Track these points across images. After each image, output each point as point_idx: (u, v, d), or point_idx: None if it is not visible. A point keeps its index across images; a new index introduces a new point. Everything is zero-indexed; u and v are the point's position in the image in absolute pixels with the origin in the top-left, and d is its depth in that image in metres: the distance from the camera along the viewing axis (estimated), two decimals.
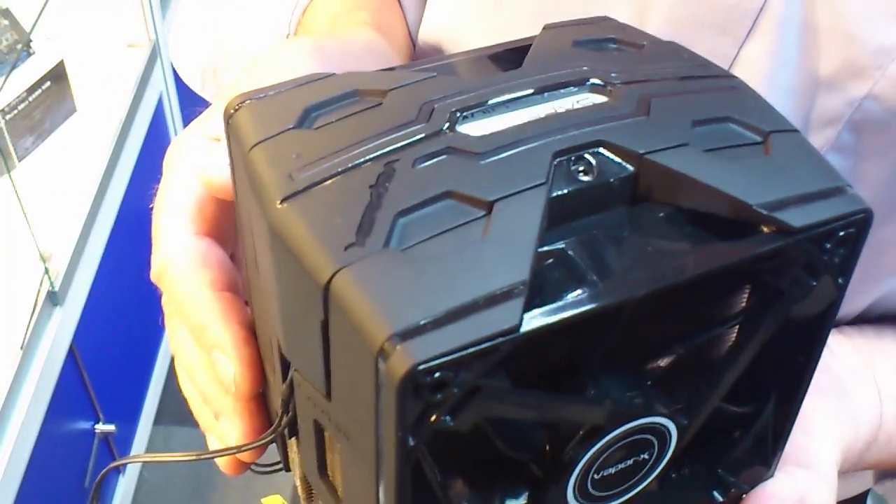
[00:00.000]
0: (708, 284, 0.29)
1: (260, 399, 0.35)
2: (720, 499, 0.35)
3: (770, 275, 0.29)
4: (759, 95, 0.31)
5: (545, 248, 0.26)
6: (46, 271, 1.14)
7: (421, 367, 0.23)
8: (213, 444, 0.36)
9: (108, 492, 1.48)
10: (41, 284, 1.14)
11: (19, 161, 1.29)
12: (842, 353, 0.46)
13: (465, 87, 0.29)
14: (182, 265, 0.35)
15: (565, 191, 0.27)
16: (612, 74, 0.30)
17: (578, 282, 0.26)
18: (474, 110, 0.29)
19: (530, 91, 0.30)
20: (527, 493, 0.31)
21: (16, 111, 1.27)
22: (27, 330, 1.10)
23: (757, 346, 0.30)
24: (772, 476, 0.36)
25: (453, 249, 0.25)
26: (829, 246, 0.28)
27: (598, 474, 0.30)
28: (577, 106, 0.29)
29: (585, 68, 0.30)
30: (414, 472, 0.27)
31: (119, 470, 1.50)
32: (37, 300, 1.13)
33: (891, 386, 0.46)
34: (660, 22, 0.42)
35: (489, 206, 0.25)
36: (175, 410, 1.67)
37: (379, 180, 0.26)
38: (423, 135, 0.28)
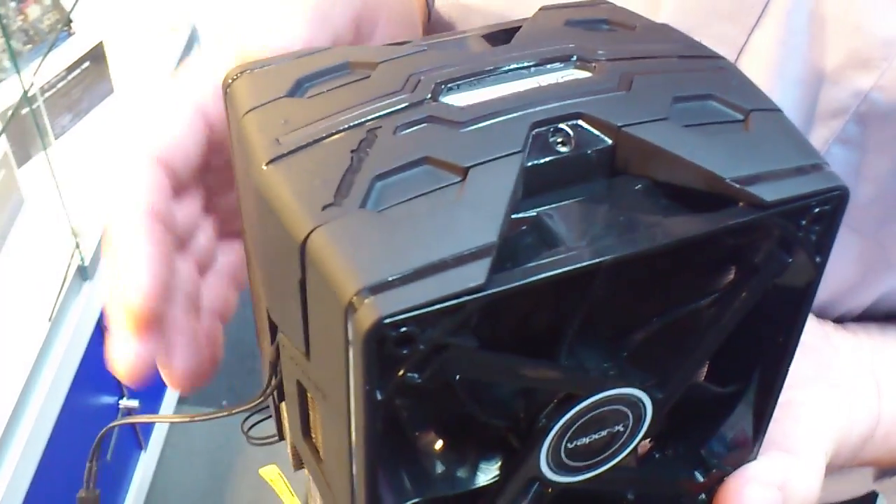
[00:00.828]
0: (683, 258, 0.29)
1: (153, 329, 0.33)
2: (701, 479, 0.35)
3: (745, 250, 0.29)
4: (745, 76, 0.32)
5: (519, 216, 0.27)
6: (77, 246, 1.17)
7: (387, 320, 0.23)
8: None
9: (130, 467, 1.50)
10: (72, 259, 1.16)
11: (56, 139, 1.32)
12: (843, 347, 0.46)
13: (453, 61, 0.30)
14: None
15: (542, 160, 0.27)
16: (599, 52, 0.31)
17: (549, 247, 0.26)
18: (459, 82, 0.29)
19: (516, 65, 0.30)
20: (501, 459, 0.31)
21: (54, 90, 1.30)
22: (56, 302, 1.12)
23: (732, 322, 0.31)
24: (754, 459, 0.36)
25: (427, 211, 0.25)
26: (804, 222, 0.28)
27: (571, 443, 0.31)
28: (560, 80, 0.30)
29: (572, 45, 0.31)
30: (388, 430, 0.28)
31: (141, 446, 1.52)
32: (67, 274, 1.15)
33: (891, 383, 0.46)
34: (671, 10, 0.43)
35: (464, 172, 0.26)
36: (199, 391, 1.70)
37: (360, 145, 0.27)
38: (406, 104, 0.28)
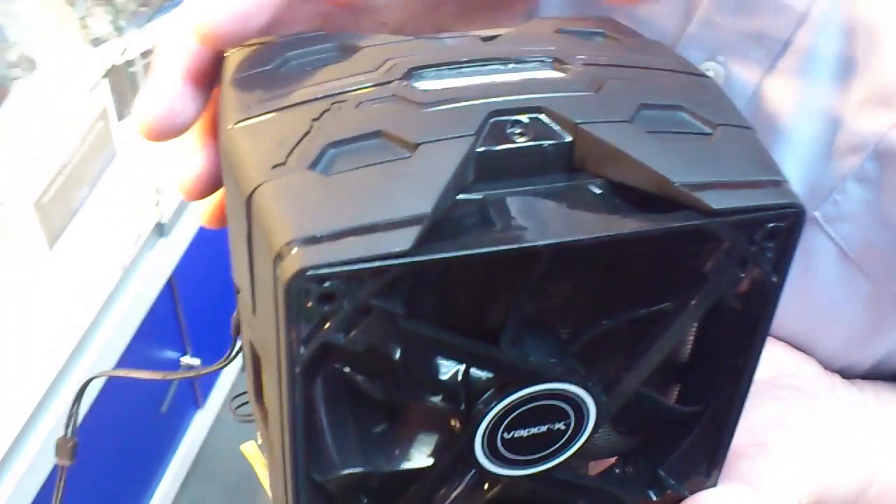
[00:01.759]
0: (633, 263, 0.30)
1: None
2: (654, 498, 0.36)
3: (696, 259, 0.29)
4: (725, 94, 0.32)
5: (466, 197, 0.27)
6: (158, 203, 1.22)
7: (309, 272, 0.24)
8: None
9: (184, 422, 1.56)
10: (151, 214, 1.22)
11: None
12: (846, 400, 0.45)
13: (433, 51, 0.31)
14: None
15: (496, 148, 0.28)
16: (578, 56, 0.31)
17: (486, 228, 0.27)
18: (432, 69, 0.30)
19: (491, 60, 0.31)
20: (437, 439, 0.32)
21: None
22: (131, 253, 1.17)
23: (680, 332, 0.31)
24: (713, 486, 0.36)
25: (370, 179, 0.26)
26: (756, 237, 0.28)
27: (508, 433, 0.31)
28: (531, 77, 0.30)
29: (553, 48, 0.31)
30: (329, 398, 0.29)
31: (198, 404, 1.57)
32: (145, 228, 1.20)
33: (892, 443, 0.45)
34: (699, 25, 0.42)
35: (415, 148, 0.27)
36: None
37: (322, 115, 0.28)
38: (374, 83, 0.29)
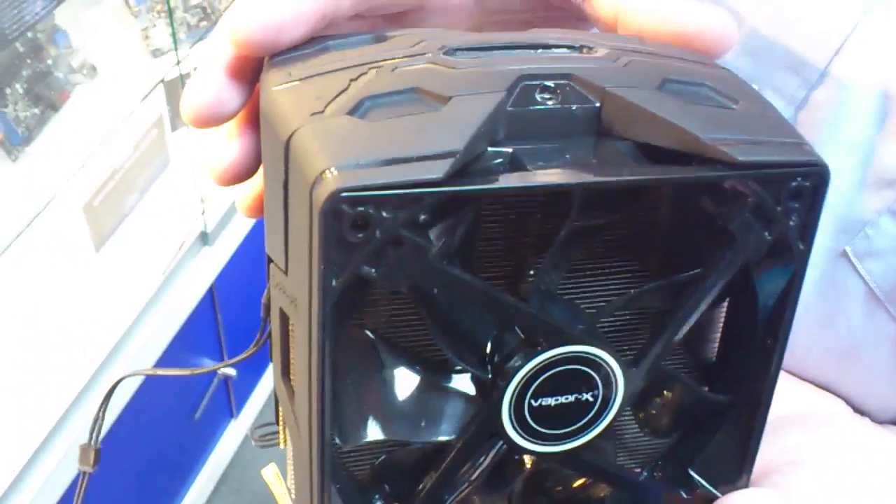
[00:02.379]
0: (662, 227, 0.30)
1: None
2: (684, 496, 0.35)
3: (719, 219, 0.29)
4: (749, 84, 0.32)
5: (495, 150, 0.28)
6: (203, 213, 1.24)
7: (344, 194, 0.24)
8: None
9: (218, 431, 1.57)
10: (195, 222, 1.24)
11: None
12: (879, 441, 0.44)
13: (465, 37, 0.32)
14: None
15: (526, 108, 0.28)
16: (606, 43, 0.32)
17: (518, 170, 0.28)
18: (463, 48, 0.31)
19: (522, 45, 0.31)
20: (464, 410, 0.32)
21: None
22: (172, 259, 1.20)
23: (708, 297, 0.31)
24: (744, 487, 0.35)
25: (405, 123, 0.27)
26: (781, 195, 0.28)
27: (536, 401, 0.30)
28: (559, 55, 0.31)
29: (581, 37, 0.32)
30: (354, 363, 0.29)
31: (232, 414, 1.59)
32: (189, 235, 1.22)
33: None
34: (736, 52, 0.42)
35: (447, 101, 0.28)
36: None
37: (359, 77, 0.29)
38: (409, 54, 0.30)
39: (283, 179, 0.28)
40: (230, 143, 0.34)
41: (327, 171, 0.25)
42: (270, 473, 0.50)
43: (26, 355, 1.06)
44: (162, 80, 1.25)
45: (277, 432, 0.39)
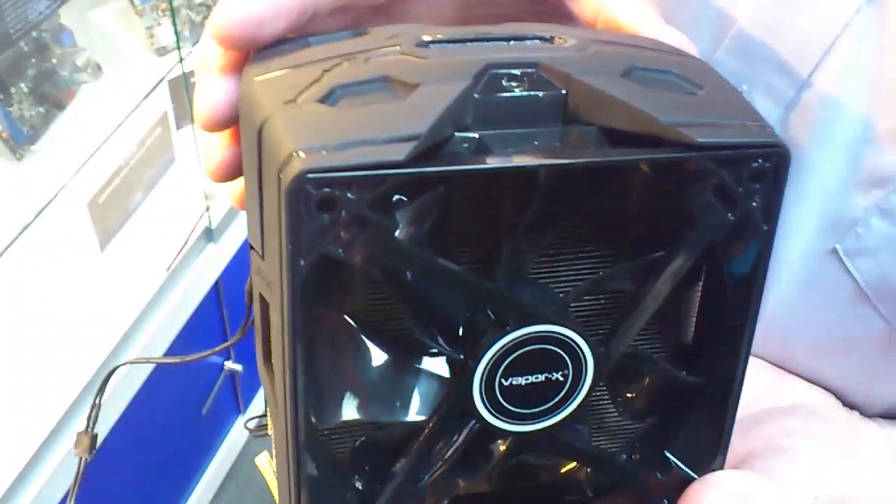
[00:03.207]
0: (627, 210, 0.31)
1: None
2: (660, 477, 0.35)
3: (683, 202, 0.30)
4: (718, 73, 0.32)
5: (462, 135, 0.29)
6: (208, 209, 1.25)
7: (310, 175, 0.25)
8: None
9: (225, 427, 1.58)
10: (200, 219, 1.25)
11: None
12: (867, 433, 0.45)
13: (439, 30, 0.32)
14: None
15: (493, 95, 0.29)
16: (577, 34, 0.32)
17: (483, 153, 0.28)
18: (437, 42, 0.31)
19: (495, 37, 0.32)
20: (437, 390, 0.32)
21: None
22: (177, 256, 1.20)
23: (675, 277, 0.31)
24: (719, 468, 0.36)
25: (372, 109, 0.28)
26: (743, 176, 0.29)
27: (506, 380, 0.31)
28: (529, 45, 0.32)
29: (553, 30, 0.33)
30: (330, 343, 0.30)
31: (240, 410, 1.60)
32: (192, 232, 1.23)
33: None
34: (726, 51, 0.43)
35: (415, 88, 0.28)
36: None
37: (332, 68, 0.30)
38: (382, 45, 0.31)
39: (257, 165, 0.29)
40: (222, 140, 0.35)
41: (294, 154, 0.26)
42: (264, 461, 0.51)
43: (31, 351, 1.07)
44: (166, 79, 1.26)
45: (267, 424, 0.40)
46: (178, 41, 1.22)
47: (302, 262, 0.27)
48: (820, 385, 0.47)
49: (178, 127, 1.33)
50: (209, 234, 1.27)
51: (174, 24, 1.25)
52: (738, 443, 0.37)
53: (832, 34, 0.40)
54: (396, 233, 0.28)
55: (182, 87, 1.28)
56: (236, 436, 1.60)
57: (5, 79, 1.14)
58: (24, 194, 1.12)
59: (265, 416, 0.44)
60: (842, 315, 0.44)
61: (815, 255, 0.43)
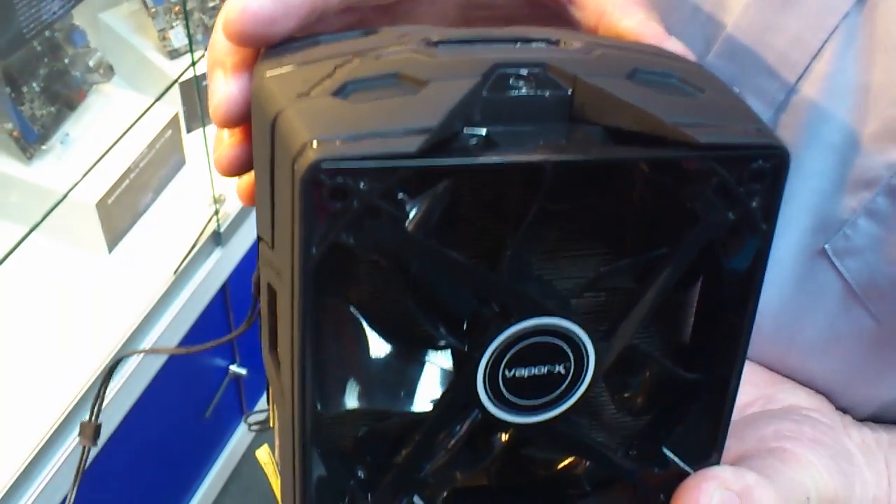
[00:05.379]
0: (629, 207, 0.31)
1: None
2: (657, 471, 0.36)
3: (684, 201, 0.30)
4: (718, 77, 0.33)
5: (470, 131, 0.29)
6: (216, 212, 1.25)
7: (324, 164, 0.26)
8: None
9: (229, 431, 1.58)
10: (209, 223, 1.25)
11: None
12: (857, 437, 0.45)
13: (447, 31, 0.33)
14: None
15: (500, 94, 0.30)
16: (583, 38, 0.33)
17: (491, 148, 0.29)
18: (445, 42, 0.32)
19: (502, 39, 0.33)
20: (441, 380, 0.32)
21: None
22: (184, 259, 1.21)
23: (675, 274, 0.32)
24: (716, 464, 0.36)
25: (384, 103, 0.29)
26: (743, 177, 0.30)
27: (509, 371, 0.32)
28: (535, 47, 0.33)
29: (558, 34, 0.33)
30: (337, 333, 0.30)
31: (243, 413, 1.60)
32: (200, 235, 1.23)
33: None
34: (717, 53, 0.43)
35: (425, 84, 0.29)
36: None
37: (345, 64, 0.31)
38: (392, 44, 0.32)
39: (270, 157, 0.29)
40: (232, 135, 0.36)
41: (308, 144, 0.27)
42: (264, 454, 0.51)
43: (39, 351, 1.07)
44: (178, 81, 1.26)
45: (269, 419, 0.40)
46: (190, 44, 1.22)
47: (314, 250, 0.27)
48: (811, 386, 0.47)
49: (189, 130, 1.33)
50: (217, 238, 1.27)
51: (187, 27, 1.25)
52: (732, 444, 0.37)
53: (820, 38, 0.41)
54: (406, 224, 0.28)
55: (193, 90, 1.29)
56: (239, 439, 1.60)
57: (17, 78, 1.14)
58: (33, 193, 1.13)
59: (266, 411, 0.44)
60: (832, 314, 0.44)
61: (804, 255, 0.44)
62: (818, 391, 0.47)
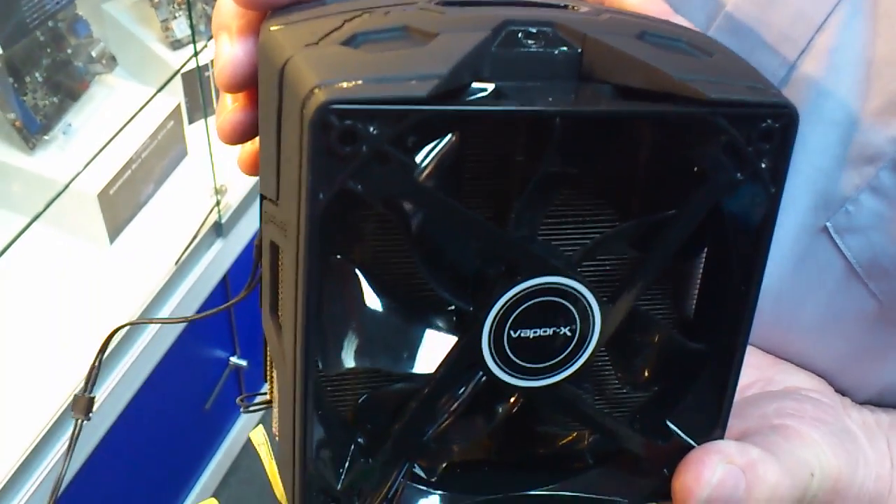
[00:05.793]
0: (638, 167, 0.31)
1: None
2: (661, 444, 0.36)
3: (692, 161, 0.30)
4: (724, 45, 0.33)
5: (479, 85, 0.29)
6: (217, 203, 1.25)
7: (333, 105, 0.26)
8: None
9: (229, 421, 1.58)
10: (210, 214, 1.25)
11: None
12: (858, 418, 0.45)
13: None
14: None
15: (509, 51, 0.30)
16: (590, 5, 0.33)
17: (501, 99, 0.29)
18: (453, 4, 0.32)
19: (512, 2, 0.33)
20: (445, 341, 0.32)
21: None
22: (186, 250, 1.20)
23: (682, 234, 0.31)
24: (720, 438, 0.36)
25: (394, 52, 0.28)
26: (752, 136, 0.29)
27: (514, 332, 0.31)
28: (545, 9, 0.33)
29: (569, 0, 0.34)
30: (340, 292, 0.30)
31: (240, 407, 1.60)
32: (202, 227, 1.23)
33: None
34: (719, 28, 0.43)
35: (434, 36, 0.29)
36: None
37: (353, 19, 0.30)
38: (401, 2, 0.32)
39: (277, 105, 0.29)
40: (236, 101, 0.36)
41: (318, 87, 0.26)
42: (259, 435, 0.50)
43: (39, 341, 1.07)
44: (180, 72, 1.26)
45: (262, 401, 0.40)
46: (193, 35, 1.22)
47: (321, 196, 0.27)
48: (811, 369, 0.47)
49: (191, 121, 1.33)
50: (219, 229, 1.27)
51: (190, 17, 1.25)
52: (734, 423, 0.37)
53: (824, 12, 0.40)
54: (415, 173, 0.28)
55: (196, 81, 1.28)
56: (239, 431, 1.60)
57: (20, 67, 1.14)
58: (35, 183, 1.13)
59: (256, 394, 0.44)
60: (833, 293, 0.44)
61: (806, 233, 0.43)
62: (818, 373, 0.46)
